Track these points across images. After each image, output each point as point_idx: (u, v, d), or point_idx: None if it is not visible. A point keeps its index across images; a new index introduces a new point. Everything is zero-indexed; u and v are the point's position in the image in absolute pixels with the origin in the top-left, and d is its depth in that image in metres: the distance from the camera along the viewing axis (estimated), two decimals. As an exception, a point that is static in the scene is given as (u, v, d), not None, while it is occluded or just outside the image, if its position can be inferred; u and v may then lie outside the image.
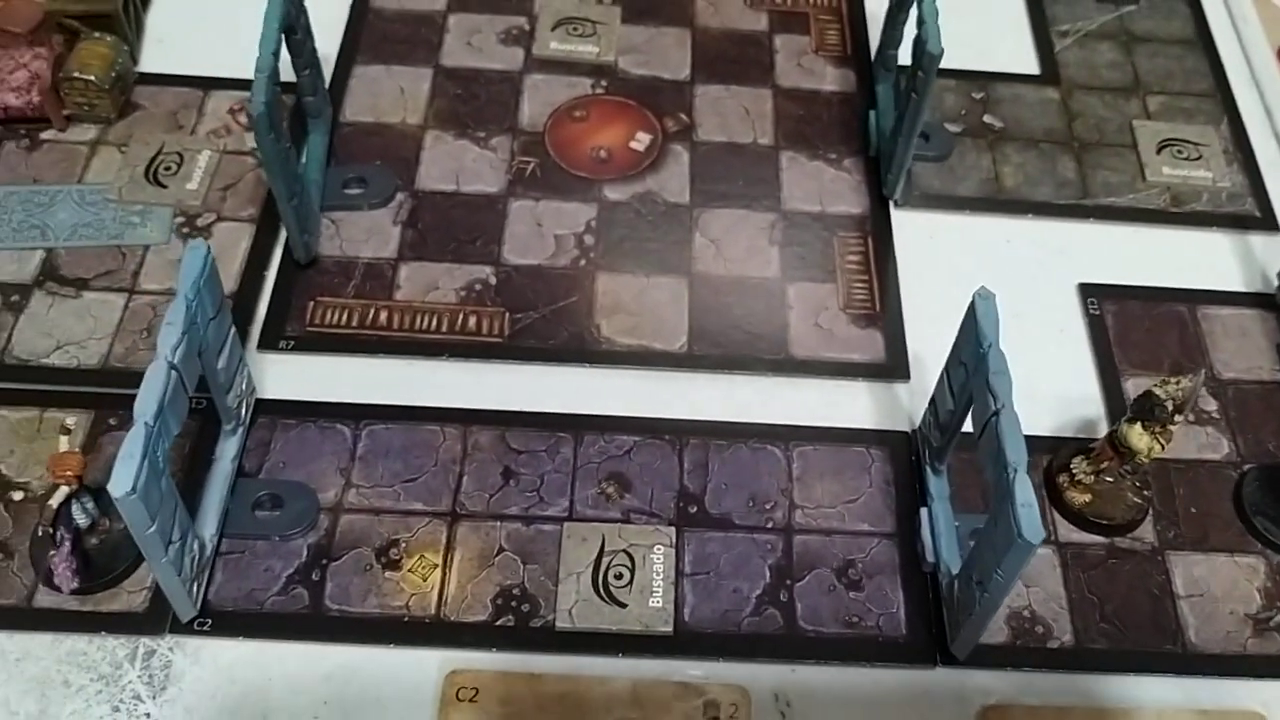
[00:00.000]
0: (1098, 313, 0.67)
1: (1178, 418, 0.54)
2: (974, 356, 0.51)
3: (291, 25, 0.61)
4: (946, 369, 0.55)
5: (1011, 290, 0.67)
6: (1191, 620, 0.56)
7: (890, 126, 0.69)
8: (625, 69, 0.75)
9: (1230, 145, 0.76)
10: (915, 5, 0.64)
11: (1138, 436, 0.54)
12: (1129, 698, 0.54)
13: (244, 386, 0.56)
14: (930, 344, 0.64)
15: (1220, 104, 0.78)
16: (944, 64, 0.77)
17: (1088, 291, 0.68)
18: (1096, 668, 0.54)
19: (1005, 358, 0.49)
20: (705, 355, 0.62)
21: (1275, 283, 0.67)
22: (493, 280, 0.64)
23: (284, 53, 0.63)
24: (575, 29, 0.77)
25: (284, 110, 0.57)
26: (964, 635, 0.51)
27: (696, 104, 0.74)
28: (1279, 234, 0.71)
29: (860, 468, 0.59)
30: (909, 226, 0.70)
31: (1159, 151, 0.75)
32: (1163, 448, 0.55)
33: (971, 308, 0.52)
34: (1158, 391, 0.54)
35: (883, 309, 0.65)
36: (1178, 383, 0.54)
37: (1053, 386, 0.64)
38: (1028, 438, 0.60)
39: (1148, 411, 0.54)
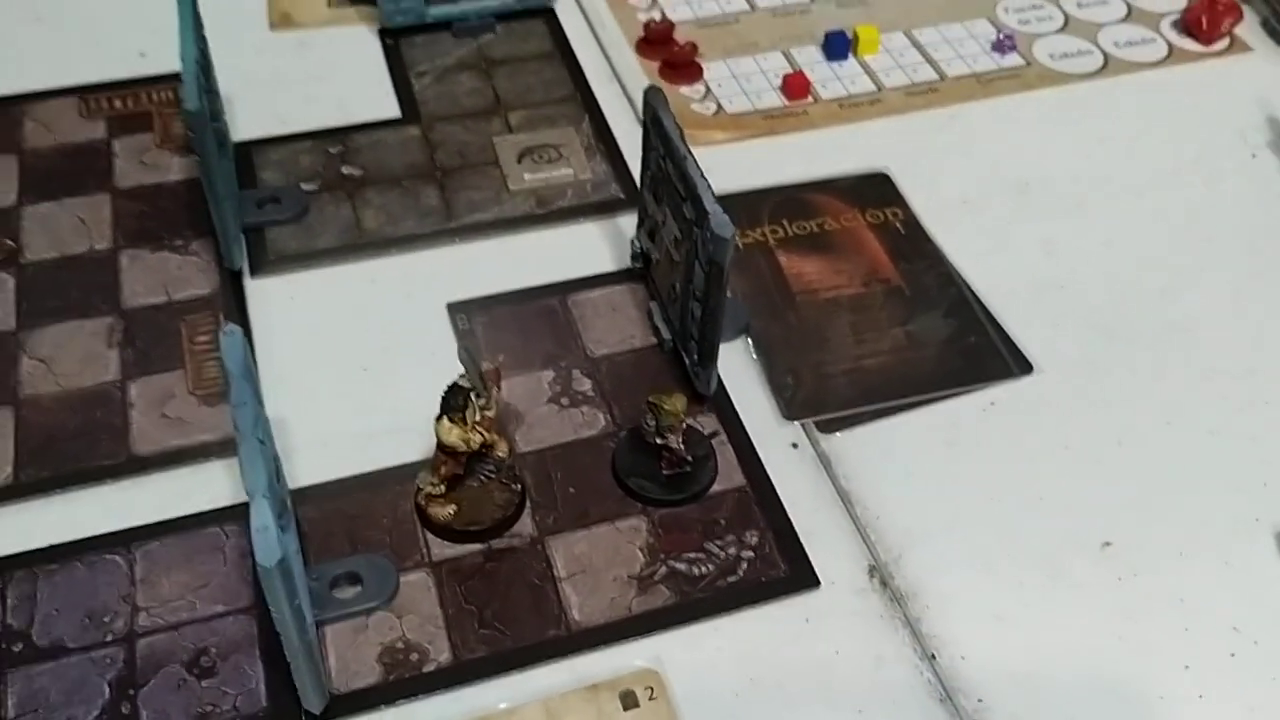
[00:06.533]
0: (467, 327, 0.66)
1: (480, 402, 0.53)
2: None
3: None
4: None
5: (379, 328, 0.66)
6: (575, 599, 0.54)
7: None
8: (-62, 216, 0.70)
9: (592, 139, 0.77)
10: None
11: (446, 431, 0.53)
12: (515, 696, 0.51)
13: None
14: (301, 405, 0.61)
15: (581, 104, 0.80)
16: (298, 127, 0.77)
17: (455, 310, 0.67)
18: (477, 677, 0.52)
19: (248, 389, 0.47)
20: (36, 480, 0.57)
21: (630, 250, 0.68)
22: None
23: None
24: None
25: None
26: (301, 685, 0.48)
27: (24, 226, 0.69)
28: (639, 208, 0.72)
29: (213, 549, 0.55)
30: (267, 293, 0.67)
31: (519, 161, 0.75)
32: (484, 436, 0.53)
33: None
34: (461, 383, 0.53)
35: (237, 381, 0.62)
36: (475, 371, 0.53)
37: (429, 410, 0.62)
38: (404, 467, 0.59)
39: (446, 404, 0.52)
